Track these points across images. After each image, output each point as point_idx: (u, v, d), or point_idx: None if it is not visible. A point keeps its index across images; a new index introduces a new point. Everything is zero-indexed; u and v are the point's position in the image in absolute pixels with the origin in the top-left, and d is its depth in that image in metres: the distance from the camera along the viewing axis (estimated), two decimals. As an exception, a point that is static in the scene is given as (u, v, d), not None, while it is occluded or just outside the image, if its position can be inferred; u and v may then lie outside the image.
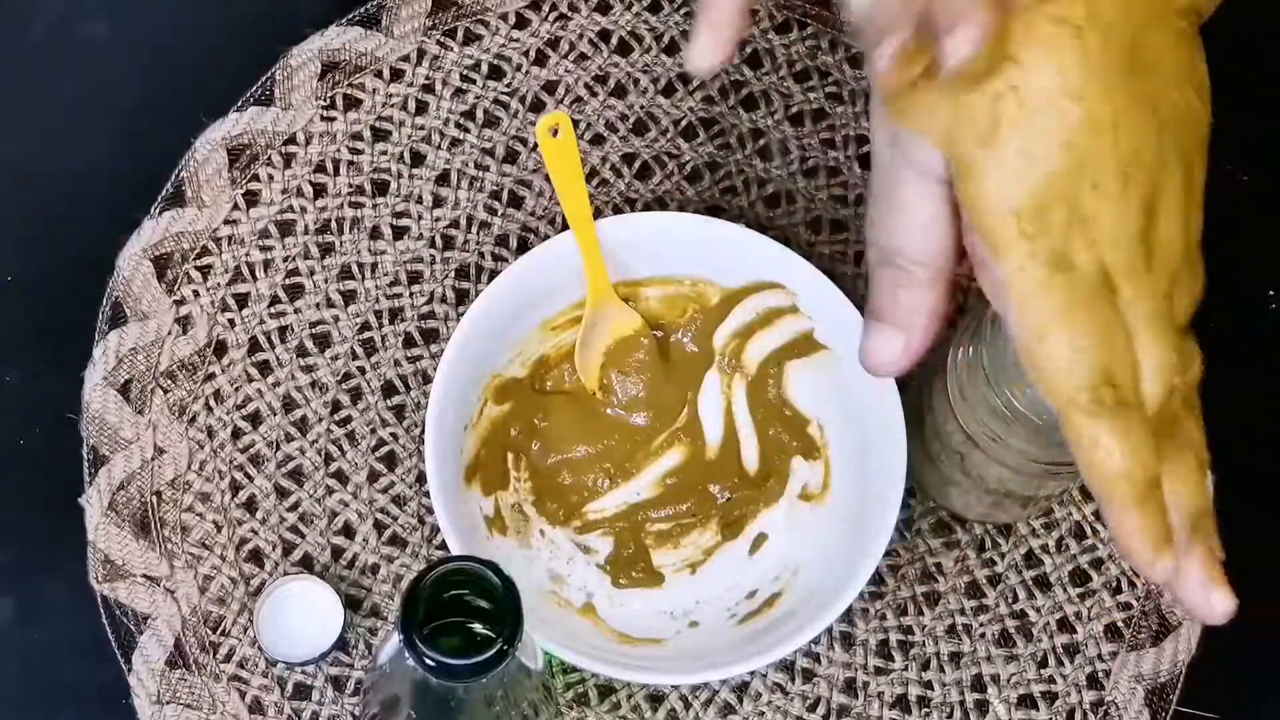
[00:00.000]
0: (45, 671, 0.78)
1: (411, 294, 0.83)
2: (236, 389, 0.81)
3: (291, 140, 0.85)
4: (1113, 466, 0.58)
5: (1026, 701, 0.79)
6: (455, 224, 0.84)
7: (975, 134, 0.58)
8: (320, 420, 0.81)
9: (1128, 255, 0.58)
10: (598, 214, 0.81)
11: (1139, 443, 0.58)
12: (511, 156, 0.85)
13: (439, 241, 0.84)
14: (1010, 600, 0.80)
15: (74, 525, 0.78)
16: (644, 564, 0.80)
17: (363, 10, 0.87)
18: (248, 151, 0.84)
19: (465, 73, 0.87)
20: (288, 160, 0.84)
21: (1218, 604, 0.60)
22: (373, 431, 0.81)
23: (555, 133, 0.79)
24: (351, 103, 0.86)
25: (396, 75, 0.86)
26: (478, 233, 0.84)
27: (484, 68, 0.87)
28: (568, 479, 0.81)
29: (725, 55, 0.62)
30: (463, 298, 0.83)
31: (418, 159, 0.85)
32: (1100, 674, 0.79)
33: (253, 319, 0.82)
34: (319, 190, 0.84)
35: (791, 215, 0.86)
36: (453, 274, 0.84)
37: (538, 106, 0.86)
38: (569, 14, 0.88)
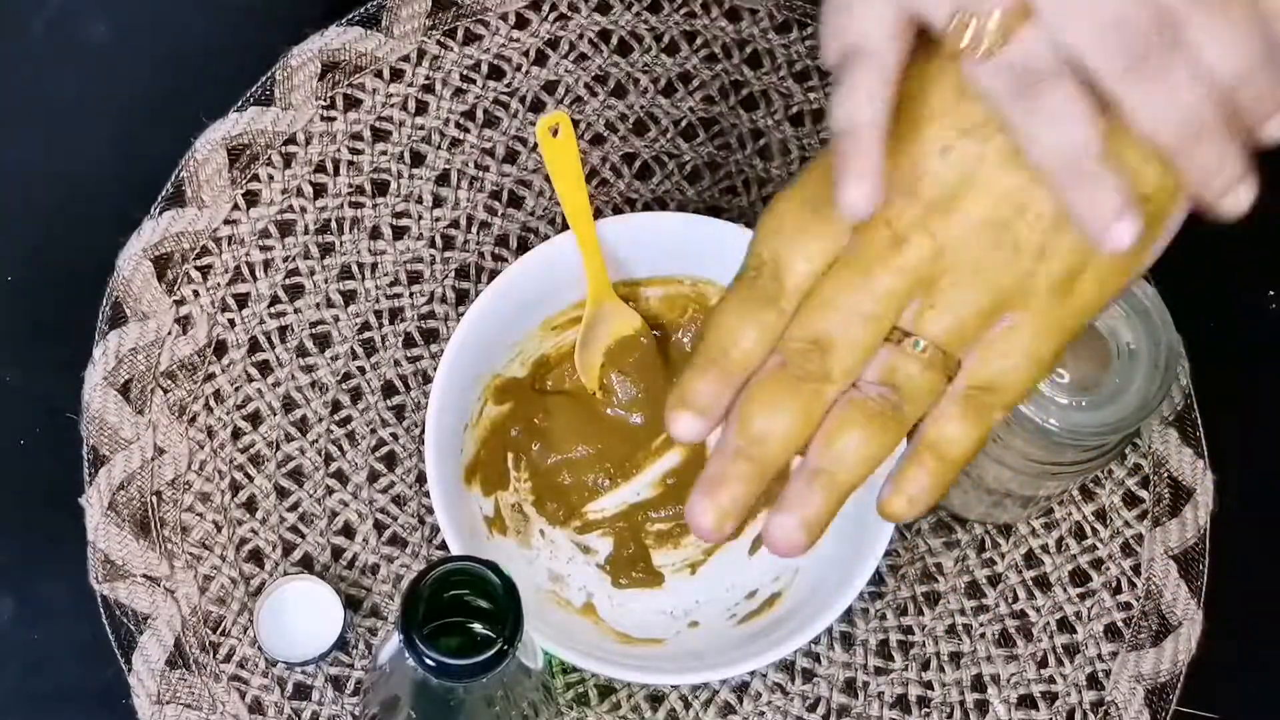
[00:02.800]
0: (45, 671, 0.78)
1: (411, 294, 0.83)
2: (236, 389, 0.81)
3: (291, 140, 0.85)
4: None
5: (1026, 701, 0.79)
6: (455, 224, 0.84)
7: None
8: (320, 420, 0.81)
9: None
10: (598, 214, 0.80)
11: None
12: (511, 156, 0.85)
13: (439, 241, 0.84)
14: (1010, 600, 0.80)
15: (74, 525, 0.78)
16: (644, 564, 0.80)
17: (363, 10, 0.87)
18: (248, 151, 0.84)
19: (465, 73, 0.87)
20: (288, 160, 0.84)
21: None
22: (373, 431, 0.81)
23: (555, 133, 0.79)
24: (351, 103, 0.85)
25: (396, 75, 0.86)
26: (478, 233, 0.84)
27: (484, 68, 0.87)
28: (568, 479, 0.81)
29: (882, 192, 0.57)
30: (463, 298, 0.83)
31: (418, 159, 0.85)
32: (1100, 674, 0.79)
33: (253, 319, 0.82)
34: (319, 190, 0.84)
35: (791, 215, 0.85)
36: (453, 274, 0.84)
37: (538, 106, 0.86)
38: (569, 14, 0.88)
